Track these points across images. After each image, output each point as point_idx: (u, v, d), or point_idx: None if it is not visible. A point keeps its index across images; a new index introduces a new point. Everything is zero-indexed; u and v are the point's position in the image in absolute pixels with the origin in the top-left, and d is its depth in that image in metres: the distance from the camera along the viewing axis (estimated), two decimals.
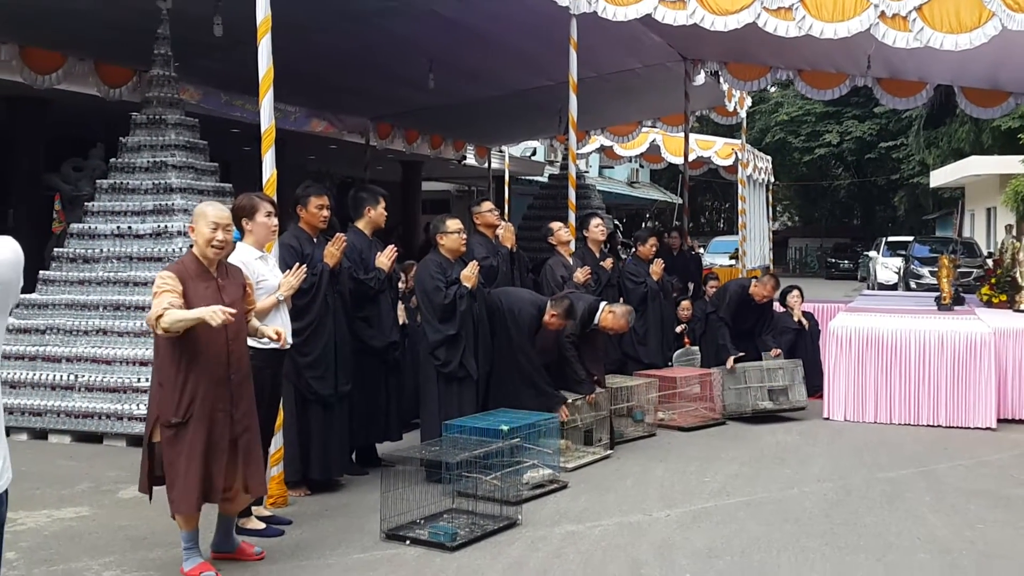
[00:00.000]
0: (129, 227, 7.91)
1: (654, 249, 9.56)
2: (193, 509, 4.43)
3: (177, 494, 4.37)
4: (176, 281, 4.38)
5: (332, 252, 5.96)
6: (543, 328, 6.97)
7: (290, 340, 4.87)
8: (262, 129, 5.75)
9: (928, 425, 8.33)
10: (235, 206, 5.40)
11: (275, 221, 5.41)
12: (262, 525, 5.31)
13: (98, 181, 8.43)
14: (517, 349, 6.81)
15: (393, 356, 6.65)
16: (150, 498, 4.63)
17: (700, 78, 13.00)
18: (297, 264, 5.49)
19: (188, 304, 4.34)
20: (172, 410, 4.35)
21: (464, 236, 6.68)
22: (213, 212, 4.55)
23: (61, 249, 8.14)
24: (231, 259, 5.23)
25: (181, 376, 4.35)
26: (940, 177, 30.70)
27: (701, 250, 28.38)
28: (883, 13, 7.67)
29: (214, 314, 4.16)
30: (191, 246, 4.63)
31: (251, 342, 4.95)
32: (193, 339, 4.35)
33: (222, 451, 4.46)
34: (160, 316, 4.21)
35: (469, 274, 6.48)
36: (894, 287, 24.70)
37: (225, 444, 4.47)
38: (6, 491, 2.68)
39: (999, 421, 8.27)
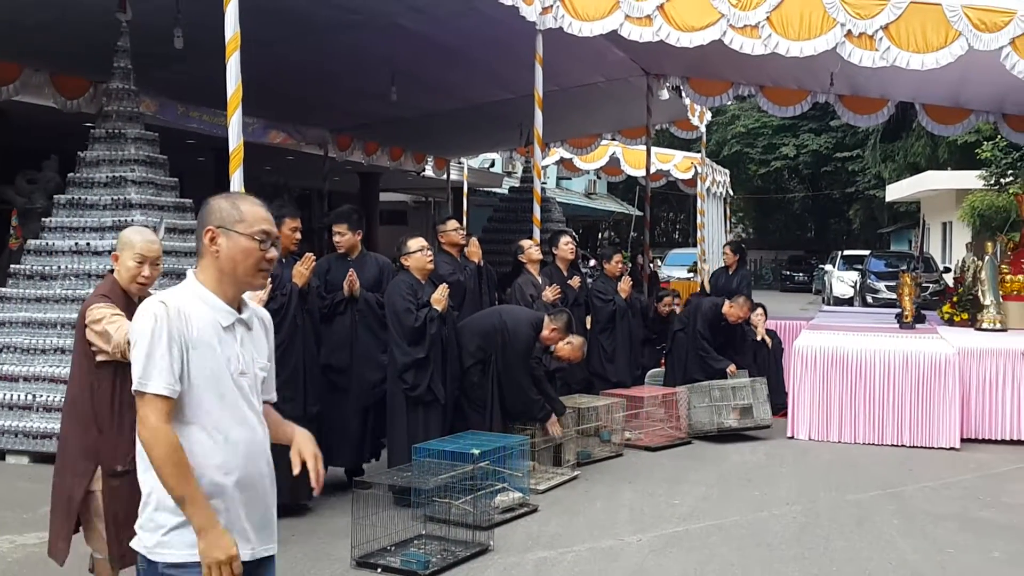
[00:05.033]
0: (88, 243, 7.69)
1: (620, 266, 9.58)
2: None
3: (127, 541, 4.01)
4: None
5: (301, 272, 5.86)
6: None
7: None
8: (231, 148, 5.65)
9: (892, 445, 8.35)
10: None
11: None
12: None
13: (56, 196, 8.19)
14: (510, 367, 6.75)
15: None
16: (63, 561, 4.08)
17: (663, 93, 13.03)
18: None
19: None
20: (118, 457, 3.88)
21: (429, 254, 6.57)
22: (141, 243, 4.00)
23: (18, 266, 7.91)
24: None
25: (118, 420, 3.92)
26: (896, 191, 31.09)
27: (659, 262, 28.50)
28: (850, 32, 7.73)
29: None
30: (111, 270, 4.14)
31: None
32: (126, 380, 4.02)
33: None
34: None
35: (439, 297, 6.39)
36: (850, 301, 24.87)
37: None
38: None
39: (962, 441, 8.29)
